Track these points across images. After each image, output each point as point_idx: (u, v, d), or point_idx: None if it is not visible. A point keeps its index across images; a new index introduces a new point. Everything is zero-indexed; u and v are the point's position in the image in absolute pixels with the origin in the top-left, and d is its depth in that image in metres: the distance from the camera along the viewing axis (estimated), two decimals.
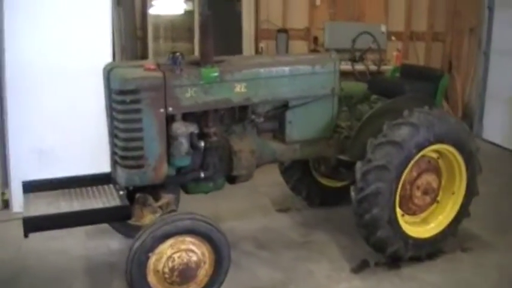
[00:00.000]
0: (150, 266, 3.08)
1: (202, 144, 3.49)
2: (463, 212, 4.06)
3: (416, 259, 3.93)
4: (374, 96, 4.51)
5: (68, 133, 4.64)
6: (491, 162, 5.41)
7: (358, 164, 3.69)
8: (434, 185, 3.98)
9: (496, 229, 4.58)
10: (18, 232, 3.16)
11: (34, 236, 3.18)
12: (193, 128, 3.46)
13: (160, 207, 3.48)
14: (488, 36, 7.54)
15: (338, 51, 4.30)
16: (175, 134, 3.38)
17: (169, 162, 3.44)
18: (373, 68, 4.87)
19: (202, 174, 3.59)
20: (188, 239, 3.15)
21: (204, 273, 3.24)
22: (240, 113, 3.74)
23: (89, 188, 3.66)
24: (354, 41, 4.64)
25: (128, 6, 6.48)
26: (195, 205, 3.88)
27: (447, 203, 4.06)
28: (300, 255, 4.09)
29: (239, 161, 3.67)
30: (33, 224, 3.13)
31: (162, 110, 3.30)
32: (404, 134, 3.64)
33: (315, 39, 7.64)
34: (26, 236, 3.12)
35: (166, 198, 3.52)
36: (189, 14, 6.72)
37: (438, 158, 3.98)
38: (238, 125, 3.77)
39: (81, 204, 3.41)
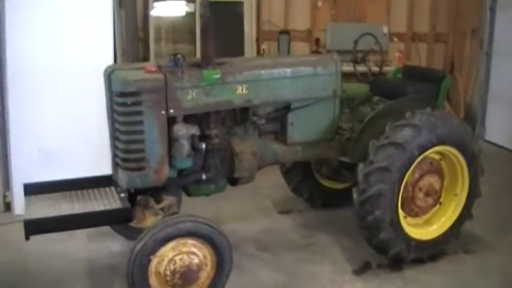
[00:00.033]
0: (152, 268, 3.08)
1: (203, 146, 3.49)
2: (465, 214, 4.04)
3: (418, 261, 3.92)
4: (376, 98, 4.50)
5: (70, 135, 4.64)
6: (493, 163, 5.41)
7: (360, 166, 3.68)
8: (437, 186, 3.97)
9: (499, 231, 4.56)
10: (20, 234, 3.15)
11: (35, 239, 3.18)
12: (194, 130, 3.45)
13: (162, 209, 3.48)
14: (490, 37, 7.53)
15: (340, 52, 4.29)
16: (177, 136, 3.37)
17: (170, 164, 3.43)
18: (375, 69, 4.86)
19: (203, 176, 3.59)
20: (190, 241, 3.14)
21: (205, 275, 3.23)
22: (241, 115, 3.73)
23: (90, 190, 3.66)
24: (355, 42, 4.63)
25: (130, 8, 6.48)
26: (196, 207, 3.87)
27: (449, 204, 4.05)
28: (302, 257, 4.08)
29: (241, 162, 3.66)
30: (34, 227, 3.13)
31: (163, 112, 3.30)
32: (407, 136, 3.63)
33: (317, 40, 7.62)
34: (27, 238, 3.12)
35: (167, 200, 3.52)
36: (190, 15, 6.70)
37: (440, 159, 3.96)
38: (240, 126, 3.77)
39: (83, 207, 3.41)
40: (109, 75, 3.35)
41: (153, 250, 3.04)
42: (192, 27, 6.81)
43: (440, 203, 4.06)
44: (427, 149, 3.71)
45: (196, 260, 3.15)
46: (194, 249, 3.16)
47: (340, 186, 4.89)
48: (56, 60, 4.57)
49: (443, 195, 4.05)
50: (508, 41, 7.21)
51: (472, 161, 3.94)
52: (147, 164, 3.32)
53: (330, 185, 4.92)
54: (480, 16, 7.77)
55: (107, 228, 3.91)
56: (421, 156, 3.71)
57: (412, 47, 8.21)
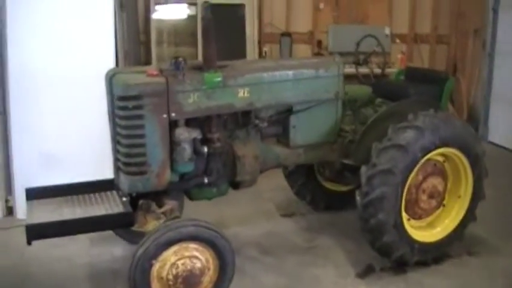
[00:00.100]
0: (154, 273, 3.06)
1: (205, 149, 3.48)
2: (469, 216, 4.02)
3: (422, 264, 3.90)
4: (378, 100, 4.49)
5: (71, 139, 4.63)
6: (497, 164, 5.37)
7: (363, 168, 3.66)
8: (440, 188, 3.95)
9: (503, 233, 4.54)
10: (22, 239, 3.14)
11: (37, 243, 3.17)
12: (196, 134, 3.44)
13: (164, 213, 3.46)
14: (492, 37, 7.50)
15: (342, 54, 4.27)
16: (178, 140, 3.36)
17: (172, 168, 3.42)
18: (377, 71, 4.85)
19: (205, 180, 3.57)
20: (192, 245, 3.13)
21: (208, 279, 3.22)
22: (243, 118, 3.72)
23: (92, 195, 3.65)
24: (357, 44, 4.62)
25: (131, 10, 6.48)
26: (198, 211, 3.86)
27: (453, 206, 4.03)
28: (304, 260, 4.07)
29: (243, 166, 3.65)
30: (36, 232, 3.12)
31: (164, 116, 3.29)
32: (410, 138, 3.61)
33: (319, 42, 7.61)
34: (29, 243, 3.11)
35: (169, 204, 3.50)
36: (192, 18, 6.70)
37: (444, 161, 3.94)
38: (242, 130, 3.76)
39: (84, 211, 3.40)
40: (110, 78, 3.34)
41: (155, 254, 3.02)
42: (194, 30, 6.81)
43: (444, 205, 4.04)
44: (430, 151, 3.69)
45: (198, 264, 3.14)
46: (196, 254, 3.14)
47: (343, 188, 4.87)
48: (57, 64, 4.56)
49: (446, 197, 4.03)
50: (510, 42, 7.19)
51: (476, 163, 3.92)
52: (148, 168, 3.31)
53: (332, 187, 4.91)
54: (482, 17, 7.75)
55: (109, 232, 3.89)
56: (424, 158, 3.70)
57: (414, 48, 8.19)
